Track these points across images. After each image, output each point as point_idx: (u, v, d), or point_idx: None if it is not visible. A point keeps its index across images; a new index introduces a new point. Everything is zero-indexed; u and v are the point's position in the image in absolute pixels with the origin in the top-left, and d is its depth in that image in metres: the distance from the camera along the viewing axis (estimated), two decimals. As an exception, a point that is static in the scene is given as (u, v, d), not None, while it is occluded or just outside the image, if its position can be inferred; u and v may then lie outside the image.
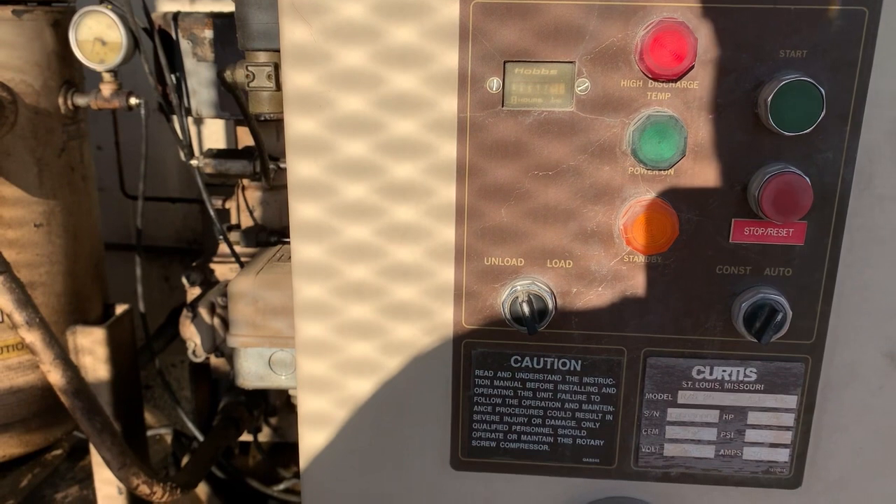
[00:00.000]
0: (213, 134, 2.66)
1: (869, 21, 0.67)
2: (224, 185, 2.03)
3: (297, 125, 0.73)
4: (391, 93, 0.71)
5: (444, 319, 0.78)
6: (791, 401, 0.77)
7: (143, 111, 1.60)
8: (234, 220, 1.93)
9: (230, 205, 1.95)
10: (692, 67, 0.68)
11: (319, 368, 0.80)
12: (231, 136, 2.47)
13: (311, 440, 0.83)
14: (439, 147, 0.73)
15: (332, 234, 0.76)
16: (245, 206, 1.86)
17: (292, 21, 0.70)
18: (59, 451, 2.03)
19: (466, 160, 0.73)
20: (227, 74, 1.05)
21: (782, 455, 0.79)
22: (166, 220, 2.97)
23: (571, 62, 0.70)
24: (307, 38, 0.71)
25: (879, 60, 0.68)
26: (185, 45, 1.62)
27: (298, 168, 0.74)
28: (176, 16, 1.62)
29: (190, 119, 1.87)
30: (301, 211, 0.75)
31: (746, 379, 0.77)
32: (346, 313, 0.78)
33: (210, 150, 1.68)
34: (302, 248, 0.76)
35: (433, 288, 0.77)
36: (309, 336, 0.79)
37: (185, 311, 1.73)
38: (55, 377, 1.27)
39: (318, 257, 0.77)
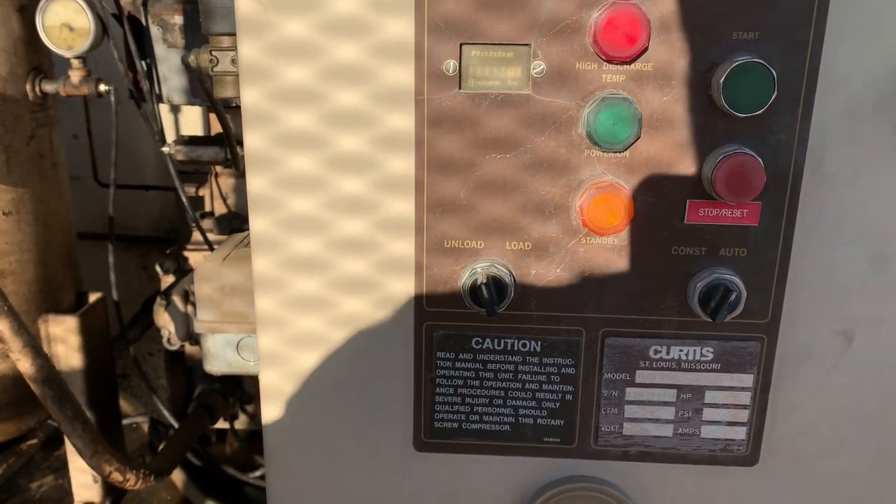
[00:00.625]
0: (190, 121, 2.64)
1: (819, 2, 0.68)
2: (198, 173, 2.02)
3: (247, 97, 0.73)
4: (340, 68, 0.72)
5: (406, 302, 0.78)
6: (747, 379, 0.79)
7: (112, 98, 1.59)
8: (207, 208, 1.93)
9: (204, 192, 1.95)
10: (646, 49, 0.69)
11: (269, 342, 0.80)
12: (207, 122, 2.46)
13: (272, 417, 0.83)
14: (396, 128, 0.73)
15: (279, 208, 0.76)
16: (218, 193, 1.85)
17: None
18: (33, 441, 2.02)
19: (425, 143, 0.73)
20: (192, 59, 1.05)
21: (739, 433, 0.80)
22: (144, 208, 2.96)
23: (527, 44, 0.70)
24: (256, 9, 0.71)
25: (830, 42, 0.69)
26: (155, 31, 1.61)
27: (249, 140, 0.74)
28: (145, 1, 1.61)
29: (166, 106, 1.86)
30: (252, 184, 0.75)
31: (703, 358, 0.78)
32: (295, 287, 0.78)
33: (181, 136, 1.67)
34: (255, 222, 0.77)
35: (394, 271, 0.77)
36: (264, 311, 0.79)
37: (158, 300, 1.72)
38: (25, 365, 1.27)
39: (269, 232, 0.77)
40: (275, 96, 0.73)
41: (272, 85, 0.73)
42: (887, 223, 0.74)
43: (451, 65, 0.71)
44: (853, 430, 0.80)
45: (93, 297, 1.74)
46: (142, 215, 2.99)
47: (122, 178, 2.22)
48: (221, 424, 1.91)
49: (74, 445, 1.34)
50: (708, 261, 0.75)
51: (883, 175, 0.73)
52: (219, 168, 1.86)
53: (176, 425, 1.84)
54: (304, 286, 0.78)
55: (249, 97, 0.73)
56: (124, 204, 2.70)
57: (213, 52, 0.99)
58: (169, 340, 1.73)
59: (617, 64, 0.69)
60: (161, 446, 1.91)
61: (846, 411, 0.80)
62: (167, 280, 1.84)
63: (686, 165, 0.72)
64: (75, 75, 1.55)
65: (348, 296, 0.78)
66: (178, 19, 1.61)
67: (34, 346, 1.26)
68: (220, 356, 1.19)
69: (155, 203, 2.88)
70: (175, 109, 2.52)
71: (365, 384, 0.81)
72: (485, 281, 0.74)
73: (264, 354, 0.81)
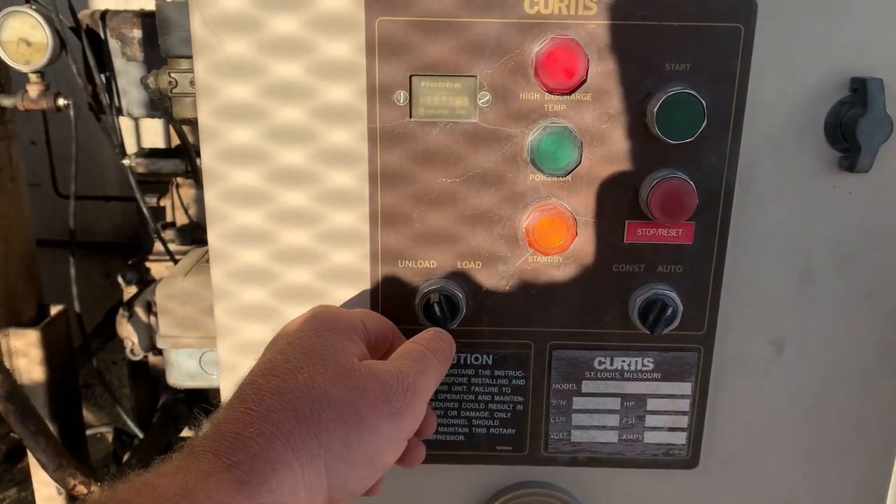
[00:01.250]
0: (151, 128, 2.64)
1: (745, 37, 0.73)
2: (160, 183, 2.03)
3: (201, 114, 0.76)
4: (286, 87, 0.75)
5: (362, 320, 0.81)
6: (686, 387, 0.83)
7: (72, 112, 1.60)
8: (169, 218, 1.94)
9: (165, 202, 1.96)
10: (584, 82, 0.73)
11: (228, 352, 0.83)
12: (169, 132, 2.46)
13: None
14: (342, 146, 0.76)
15: (228, 220, 0.79)
16: (180, 203, 1.87)
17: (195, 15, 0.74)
18: (-4, 454, 2.01)
19: (378, 168, 0.77)
20: (150, 81, 1.07)
21: (680, 438, 0.85)
22: (106, 215, 2.94)
23: (473, 76, 0.74)
24: (207, 31, 0.74)
25: (755, 72, 0.74)
26: (113, 44, 1.62)
27: (204, 156, 0.77)
28: (104, 15, 1.62)
29: (127, 117, 1.86)
30: (207, 197, 0.78)
31: (644, 368, 0.83)
32: (245, 297, 0.81)
33: (142, 149, 1.69)
34: (210, 234, 0.80)
35: (347, 287, 0.80)
36: (222, 321, 0.82)
37: (121, 311, 1.74)
38: (-13, 381, 1.28)
39: (221, 243, 0.80)
40: (222, 112, 0.76)
41: (220, 101, 0.75)
42: (812, 239, 0.79)
43: (401, 95, 0.75)
44: (784, 433, 0.85)
45: (54, 309, 1.75)
46: (104, 222, 2.97)
47: (83, 187, 2.22)
48: (188, 433, 1.93)
49: (38, 459, 1.36)
50: (646, 277, 0.79)
51: (807, 195, 0.78)
52: (180, 179, 1.87)
53: (140, 435, 1.85)
54: (253, 296, 0.81)
55: (203, 114, 0.76)
56: (86, 211, 2.68)
57: (172, 74, 1.02)
58: (132, 351, 1.74)
59: (558, 95, 0.74)
60: (126, 457, 1.92)
61: (778, 415, 0.85)
62: (129, 291, 1.85)
63: (624, 188, 0.77)
64: (33, 89, 1.56)
65: (302, 307, 0.81)
66: (137, 33, 1.62)
67: (-4, 362, 1.27)
68: (183, 370, 1.22)
69: (117, 210, 2.87)
70: (137, 120, 2.52)
71: (324, 399, 0.84)
72: (437, 300, 0.78)
73: (224, 364, 0.83)
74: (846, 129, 0.74)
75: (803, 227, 0.79)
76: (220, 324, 0.83)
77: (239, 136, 0.76)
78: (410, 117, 0.75)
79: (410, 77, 0.74)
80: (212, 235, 0.80)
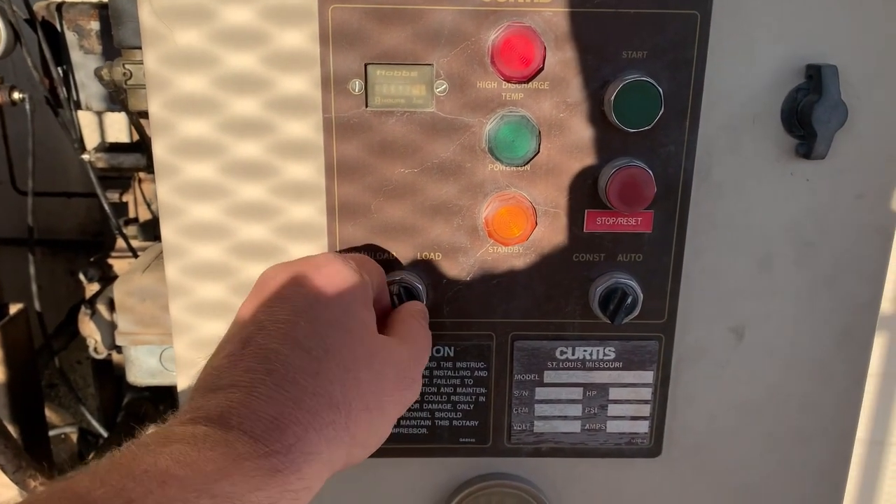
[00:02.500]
0: (115, 123, 2.59)
1: (701, 24, 0.73)
2: (122, 178, 2.00)
3: (152, 106, 0.74)
4: (239, 78, 0.74)
5: (321, 313, 0.80)
6: (648, 376, 0.83)
7: (27, 106, 1.56)
8: (132, 214, 1.91)
9: (128, 198, 1.93)
10: (541, 70, 0.72)
11: (184, 348, 0.82)
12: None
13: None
14: (298, 137, 0.75)
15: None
16: (142, 199, 1.84)
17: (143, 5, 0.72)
18: (-43, 456, 1.97)
19: (334, 159, 0.76)
20: (105, 73, 1.05)
21: (642, 427, 0.85)
22: (69, 212, 2.89)
23: (430, 65, 0.73)
24: (156, 21, 0.72)
25: (712, 60, 0.74)
26: (70, 36, 1.59)
27: (156, 149, 0.75)
28: (60, 7, 1.58)
29: (87, 111, 1.83)
30: (160, 192, 0.77)
31: (606, 357, 0.83)
32: (201, 293, 0.80)
33: (102, 143, 1.66)
34: (164, 229, 0.78)
35: (308, 283, 0.79)
36: (177, 317, 0.81)
37: (83, 309, 1.71)
38: (-58, 382, 1.25)
39: (175, 238, 0.78)
40: (174, 105, 0.74)
41: (172, 93, 0.74)
42: (770, 227, 0.79)
43: (356, 84, 0.73)
44: (745, 419, 0.86)
45: (14, 308, 1.71)
46: (68, 219, 2.92)
47: (44, 183, 2.17)
48: (153, 432, 1.90)
49: (-3, 461, 1.33)
50: (607, 266, 0.79)
51: (764, 182, 0.78)
52: (142, 174, 1.84)
53: (105, 435, 1.82)
54: (210, 292, 0.80)
55: (154, 106, 0.74)
56: (49, 208, 2.63)
57: (127, 66, 1.00)
58: (95, 349, 1.71)
59: (515, 83, 0.73)
60: (90, 457, 1.89)
61: (739, 402, 0.85)
62: (92, 288, 1.82)
63: (583, 177, 0.76)
64: (-13, 83, 1.52)
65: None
66: (95, 25, 1.59)
67: (-49, 362, 1.24)
68: (143, 367, 1.20)
69: (81, 206, 2.82)
70: (99, 113, 2.47)
71: (284, 394, 0.83)
72: (397, 291, 0.77)
73: (181, 361, 0.82)
74: (802, 116, 0.74)
75: (762, 214, 0.79)
76: (175, 320, 0.81)
77: (192, 129, 0.75)
78: (366, 107, 0.74)
79: (366, 66, 0.73)
80: (165, 230, 0.78)
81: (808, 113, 0.73)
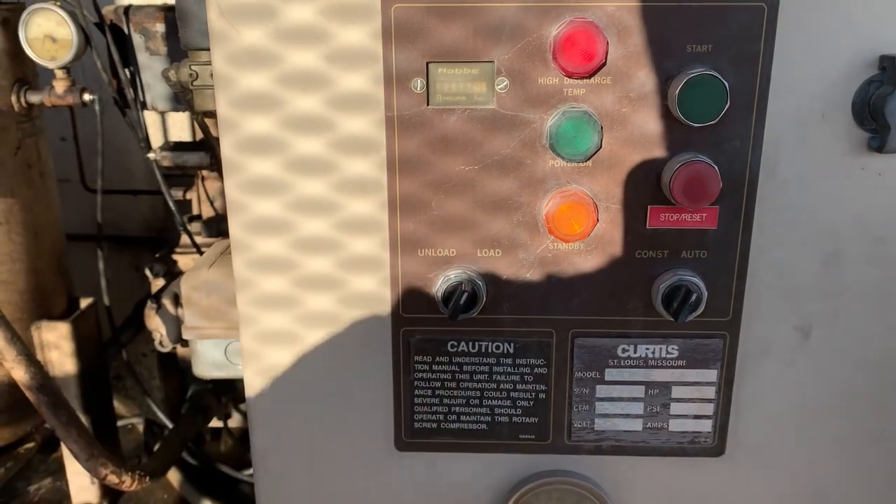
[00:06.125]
0: (178, 123, 2.66)
1: (768, 16, 0.71)
2: (186, 176, 2.04)
3: (220, 105, 0.76)
4: (304, 76, 0.75)
5: (383, 308, 0.81)
6: (711, 375, 0.82)
7: (97, 107, 1.61)
8: (195, 211, 1.96)
9: (191, 195, 1.97)
10: (604, 65, 0.72)
11: (251, 341, 0.84)
12: (194, 125, 2.47)
13: (258, 419, 0.87)
14: (368, 145, 0.76)
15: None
16: (206, 196, 1.88)
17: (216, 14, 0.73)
18: (31, 444, 2.06)
19: (396, 156, 0.76)
20: (171, 74, 1.07)
21: (706, 426, 0.84)
22: (135, 209, 2.97)
23: (491, 62, 0.73)
24: (224, 22, 0.73)
25: (780, 53, 0.72)
26: (137, 39, 1.63)
27: (224, 147, 0.77)
28: (127, 10, 1.63)
29: (152, 111, 1.87)
30: (227, 188, 0.78)
31: (669, 356, 0.82)
32: (263, 287, 0.81)
33: (167, 142, 1.70)
34: (231, 225, 0.80)
35: (371, 279, 0.80)
36: (244, 310, 0.82)
37: (149, 303, 1.75)
38: (19, 374, 1.30)
39: (241, 234, 0.80)
40: (240, 103, 0.76)
41: (237, 92, 0.75)
42: (838, 223, 0.77)
43: (418, 82, 0.74)
44: (812, 421, 0.84)
45: (84, 302, 1.77)
46: (133, 216, 3.00)
47: (112, 181, 2.23)
48: (216, 423, 1.95)
49: (70, 450, 1.38)
50: (670, 263, 0.78)
51: (834, 177, 0.76)
52: (205, 172, 1.88)
53: (170, 426, 1.87)
54: (274, 285, 0.81)
55: (221, 105, 0.76)
56: (116, 205, 2.71)
57: (193, 67, 1.02)
58: (161, 343, 1.76)
59: (577, 79, 0.72)
60: (156, 447, 1.94)
61: (805, 403, 0.83)
62: (157, 283, 1.87)
63: (646, 173, 0.75)
64: (59, 85, 1.57)
65: (323, 296, 0.81)
66: (160, 27, 1.63)
67: (27, 354, 1.29)
68: (209, 361, 1.23)
69: (146, 203, 2.90)
70: (164, 114, 2.54)
71: (347, 387, 0.84)
72: (458, 288, 0.77)
73: (247, 353, 0.84)
74: (874, 109, 0.72)
75: (831, 210, 0.77)
76: (242, 313, 0.83)
77: (257, 126, 0.76)
78: (428, 105, 0.75)
79: (427, 64, 0.74)
80: (233, 226, 0.80)
81: (881, 105, 0.71)
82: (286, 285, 0.81)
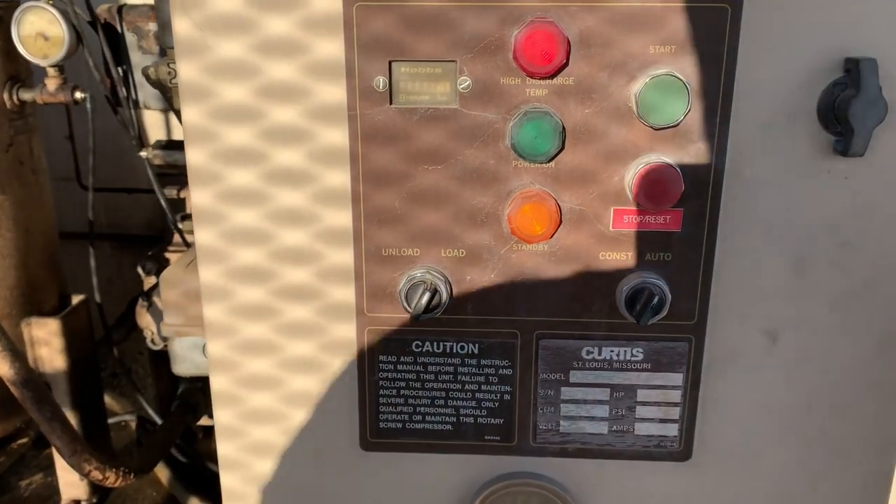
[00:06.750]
0: (176, 122, 2.66)
1: (732, 17, 0.71)
2: (181, 175, 2.05)
3: (188, 115, 0.76)
4: (275, 87, 0.75)
5: (347, 308, 0.81)
6: (677, 378, 0.82)
7: (89, 105, 1.62)
8: (188, 210, 1.96)
9: (185, 194, 1.98)
10: (565, 65, 0.71)
11: (218, 349, 0.84)
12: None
13: (223, 420, 0.87)
14: (332, 144, 0.76)
15: (223, 220, 0.79)
16: (198, 195, 1.89)
17: (178, 14, 0.73)
18: (24, 440, 2.07)
19: (359, 156, 0.76)
20: (151, 72, 1.08)
21: (672, 430, 0.83)
22: (138, 208, 2.98)
23: (453, 61, 0.73)
24: (194, 32, 0.74)
25: (744, 55, 0.72)
26: (130, 38, 1.64)
27: (191, 155, 0.77)
28: (120, 9, 1.64)
29: (146, 109, 1.88)
30: (195, 196, 0.78)
31: (633, 358, 0.81)
32: (240, 296, 0.82)
33: (159, 141, 1.70)
34: (200, 234, 0.79)
35: (335, 279, 0.80)
36: (212, 319, 0.82)
37: (140, 301, 1.76)
38: (3, 368, 1.30)
39: (214, 243, 0.80)
40: (214, 114, 0.76)
41: (212, 103, 0.75)
42: (805, 227, 0.77)
43: (381, 81, 0.74)
44: (779, 424, 0.83)
45: (75, 299, 1.78)
46: (136, 215, 3.02)
47: (112, 179, 2.24)
48: (207, 421, 1.95)
49: (54, 445, 1.38)
50: (634, 265, 0.78)
51: (800, 180, 0.75)
52: (198, 170, 1.89)
53: (160, 422, 1.88)
54: (249, 295, 0.81)
55: (189, 115, 0.76)
56: (118, 204, 2.72)
57: (171, 66, 1.03)
58: (152, 341, 1.77)
59: (539, 79, 0.72)
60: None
61: (772, 406, 0.83)
62: (149, 281, 1.87)
63: (609, 175, 0.75)
64: (51, 83, 1.58)
65: (292, 304, 0.81)
66: (153, 26, 1.63)
67: (12, 349, 1.30)
68: (187, 359, 1.23)
69: (148, 202, 2.91)
70: (165, 112, 2.55)
71: (312, 387, 0.84)
72: (421, 288, 0.77)
73: (214, 360, 0.84)
74: (839, 112, 0.72)
75: (797, 213, 0.76)
76: (210, 322, 0.83)
77: (234, 138, 0.76)
78: (391, 104, 0.75)
79: (390, 63, 0.74)
80: (203, 235, 0.80)
81: (845, 108, 0.71)
82: (256, 294, 0.81)
